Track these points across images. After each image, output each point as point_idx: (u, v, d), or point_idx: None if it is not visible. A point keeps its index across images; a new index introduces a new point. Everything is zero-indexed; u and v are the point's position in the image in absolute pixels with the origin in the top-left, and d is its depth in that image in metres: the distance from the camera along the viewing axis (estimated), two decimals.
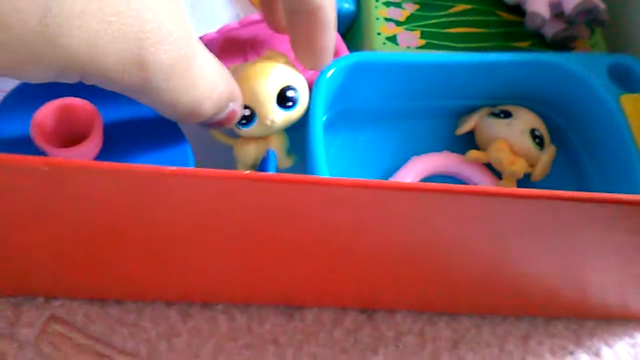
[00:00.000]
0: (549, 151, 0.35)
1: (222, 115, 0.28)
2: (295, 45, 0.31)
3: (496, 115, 0.36)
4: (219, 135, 0.34)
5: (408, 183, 0.34)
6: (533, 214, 0.27)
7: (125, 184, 0.24)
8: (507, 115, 0.36)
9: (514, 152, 0.35)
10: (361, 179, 0.25)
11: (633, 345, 0.37)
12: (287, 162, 0.34)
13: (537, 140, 0.35)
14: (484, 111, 0.37)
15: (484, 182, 0.36)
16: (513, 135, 0.35)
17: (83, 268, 0.32)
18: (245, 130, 0.33)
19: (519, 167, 0.35)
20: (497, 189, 0.25)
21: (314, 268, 0.33)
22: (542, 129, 0.36)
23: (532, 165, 0.35)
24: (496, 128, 0.36)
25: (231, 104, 0.28)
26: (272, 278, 0.34)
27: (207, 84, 0.26)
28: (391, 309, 0.36)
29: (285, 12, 0.30)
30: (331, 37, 0.30)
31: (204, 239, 0.29)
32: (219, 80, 0.26)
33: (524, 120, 0.36)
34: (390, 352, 0.35)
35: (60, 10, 0.19)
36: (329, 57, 0.31)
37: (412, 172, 0.36)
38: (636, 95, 0.35)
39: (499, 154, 0.35)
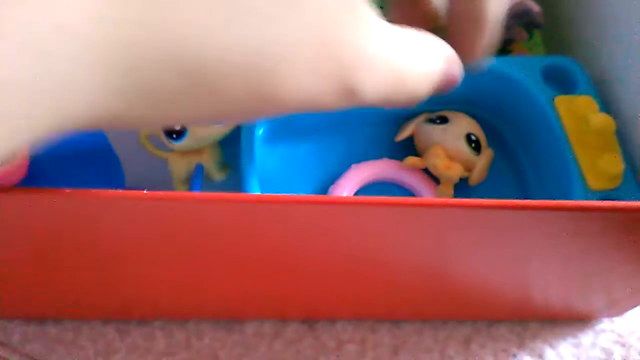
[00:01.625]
0: (485, 155, 0.35)
1: (441, 83, 0.25)
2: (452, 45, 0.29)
3: (432, 121, 0.36)
4: (152, 149, 0.34)
5: (335, 197, 0.34)
6: (467, 222, 0.27)
7: (60, 205, 0.24)
8: (444, 120, 0.36)
9: (450, 157, 0.35)
10: (286, 194, 0.25)
11: (576, 346, 0.37)
12: (219, 176, 0.34)
13: (473, 144, 0.35)
14: (422, 117, 0.37)
15: (421, 188, 0.36)
16: (449, 141, 0.35)
17: (19, 287, 0.32)
18: (177, 145, 0.33)
19: (455, 172, 0.35)
20: (418, 200, 0.26)
21: (252, 281, 0.33)
22: (478, 133, 0.36)
23: (469, 170, 0.36)
24: (433, 134, 0.36)
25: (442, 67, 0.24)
26: (210, 292, 0.34)
27: (417, 74, 0.23)
28: (332, 318, 0.36)
29: (449, 15, 0.28)
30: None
31: (139, 256, 0.29)
32: (425, 61, 0.23)
33: (460, 125, 0.36)
34: None
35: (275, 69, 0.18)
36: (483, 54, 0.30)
37: (352, 181, 0.36)
38: (570, 96, 0.35)
39: (435, 160, 0.35)
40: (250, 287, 0.33)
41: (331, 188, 0.36)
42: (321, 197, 0.25)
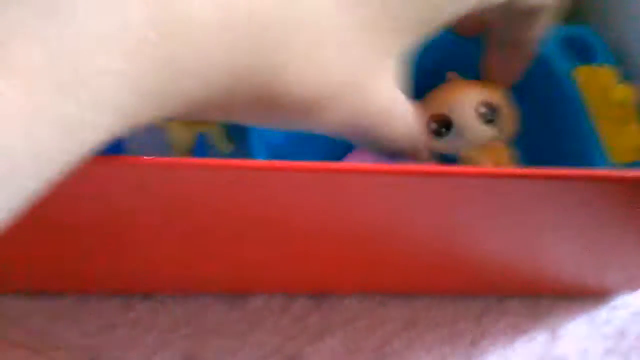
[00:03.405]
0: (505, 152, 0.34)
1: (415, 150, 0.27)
2: (493, 66, 0.31)
3: (438, 133, 0.34)
4: None
5: (351, 164, 0.33)
6: (481, 191, 0.26)
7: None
8: (447, 126, 0.34)
9: (477, 152, 0.34)
10: (302, 161, 0.24)
11: (590, 322, 0.36)
12: (226, 148, 0.33)
13: (487, 119, 0.34)
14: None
15: None
16: (464, 145, 0.33)
17: (18, 260, 0.31)
18: None
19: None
20: (441, 168, 0.25)
21: (259, 255, 0.32)
22: (487, 98, 0.34)
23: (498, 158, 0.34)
24: (442, 148, 0.34)
25: None
26: (215, 266, 0.33)
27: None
28: (341, 294, 0.36)
29: (495, 40, 0.30)
30: None
31: (143, 228, 0.28)
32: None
33: (465, 126, 0.33)
34: (340, 338, 0.34)
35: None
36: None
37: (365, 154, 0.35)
38: (591, 67, 0.34)
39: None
40: (257, 261, 0.32)
41: (346, 157, 0.35)
42: (332, 165, 0.24)
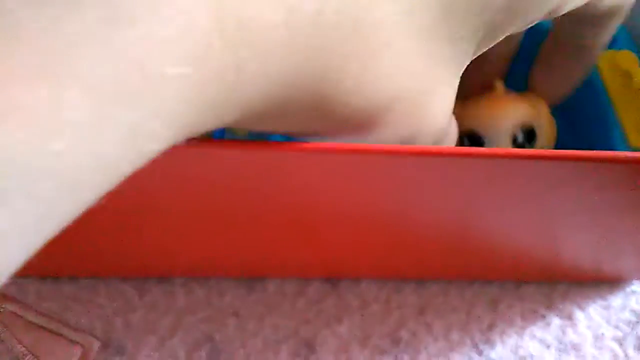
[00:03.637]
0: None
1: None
2: (545, 77, 0.30)
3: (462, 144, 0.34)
4: None
5: (368, 145, 0.32)
6: (498, 174, 0.26)
7: None
8: (476, 141, 0.34)
9: None
10: (318, 142, 0.24)
11: (606, 308, 0.36)
12: (243, 131, 0.33)
13: (524, 142, 0.33)
14: None
15: None
16: None
17: None
18: None
19: None
20: (457, 150, 0.24)
21: (275, 238, 0.31)
22: (526, 117, 0.34)
23: None
24: None
25: None
26: (232, 249, 0.32)
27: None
28: (356, 278, 0.35)
29: (555, 46, 0.28)
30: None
31: (160, 210, 0.28)
32: None
33: (498, 135, 0.33)
34: (355, 322, 0.34)
35: None
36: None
37: None
38: (611, 51, 0.33)
39: None
40: (273, 245, 0.32)
41: None
42: (349, 146, 0.24)
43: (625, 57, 0.33)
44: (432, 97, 0.20)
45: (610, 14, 0.25)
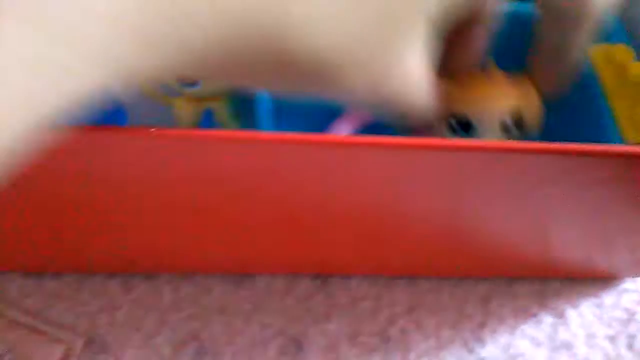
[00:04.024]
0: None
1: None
2: (536, 71, 0.29)
3: (454, 131, 0.33)
4: (155, 95, 0.32)
5: (356, 137, 0.32)
6: (491, 167, 0.26)
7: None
8: (466, 127, 0.33)
9: None
10: (306, 133, 0.23)
11: (598, 306, 0.36)
12: (232, 125, 0.32)
13: (514, 129, 0.33)
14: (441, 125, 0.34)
15: None
16: None
17: (17, 238, 0.30)
18: (189, 91, 0.31)
19: None
20: (447, 142, 0.24)
21: (263, 233, 0.31)
22: (517, 104, 0.33)
23: None
24: None
25: None
26: (219, 245, 0.32)
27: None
28: (346, 275, 0.35)
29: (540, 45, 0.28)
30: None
31: (144, 204, 0.28)
32: None
33: (490, 124, 0.33)
34: (344, 319, 0.33)
35: None
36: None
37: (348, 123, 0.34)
38: (606, 45, 0.33)
39: None
40: (261, 240, 0.32)
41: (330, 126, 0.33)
42: (337, 138, 0.24)
43: (620, 50, 0.32)
44: (398, 49, 0.20)
45: (583, 15, 0.25)
